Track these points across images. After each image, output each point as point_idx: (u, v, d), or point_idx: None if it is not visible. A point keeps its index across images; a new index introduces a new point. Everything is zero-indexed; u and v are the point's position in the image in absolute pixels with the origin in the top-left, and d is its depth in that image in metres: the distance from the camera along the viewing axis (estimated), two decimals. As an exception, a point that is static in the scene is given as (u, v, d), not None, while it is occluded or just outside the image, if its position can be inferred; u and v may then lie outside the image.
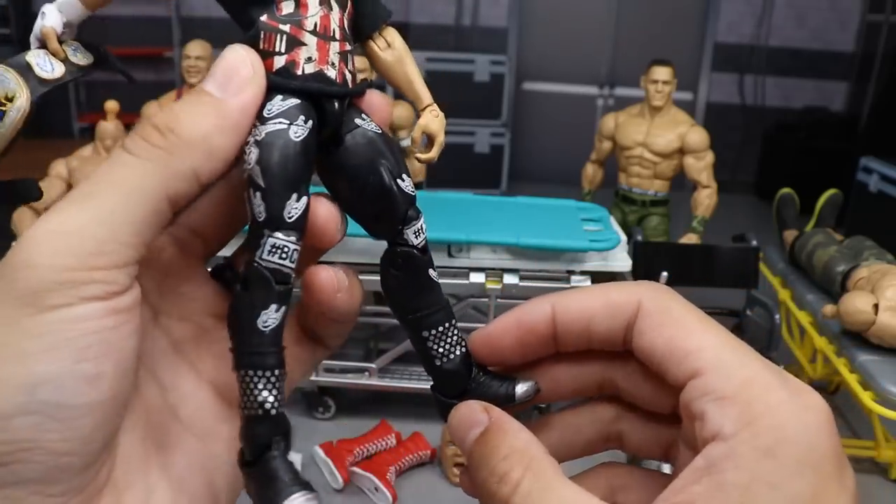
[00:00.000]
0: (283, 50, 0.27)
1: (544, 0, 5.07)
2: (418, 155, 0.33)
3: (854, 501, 0.24)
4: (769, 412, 0.24)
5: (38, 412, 0.23)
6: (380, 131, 0.29)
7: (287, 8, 0.27)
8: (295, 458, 1.87)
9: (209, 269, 0.33)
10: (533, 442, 0.27)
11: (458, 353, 0.31)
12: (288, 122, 0.27)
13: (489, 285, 1.88)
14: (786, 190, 2.61)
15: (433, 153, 0.33)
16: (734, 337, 0.27)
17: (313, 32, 0.27)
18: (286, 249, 0.26)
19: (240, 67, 0.26)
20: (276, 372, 0.27)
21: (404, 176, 0.29)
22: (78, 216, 0.24)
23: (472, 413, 0.29)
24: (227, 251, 0.34)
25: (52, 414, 0.23)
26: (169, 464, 0.28)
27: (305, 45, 0.27)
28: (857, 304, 1.82)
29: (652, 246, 2.33)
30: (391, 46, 0.32)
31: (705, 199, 2.45)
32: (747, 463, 0.23)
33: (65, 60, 0.28)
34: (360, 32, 0.31)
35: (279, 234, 0.26)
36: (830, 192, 2.52)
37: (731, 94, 5.20)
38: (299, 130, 0.27)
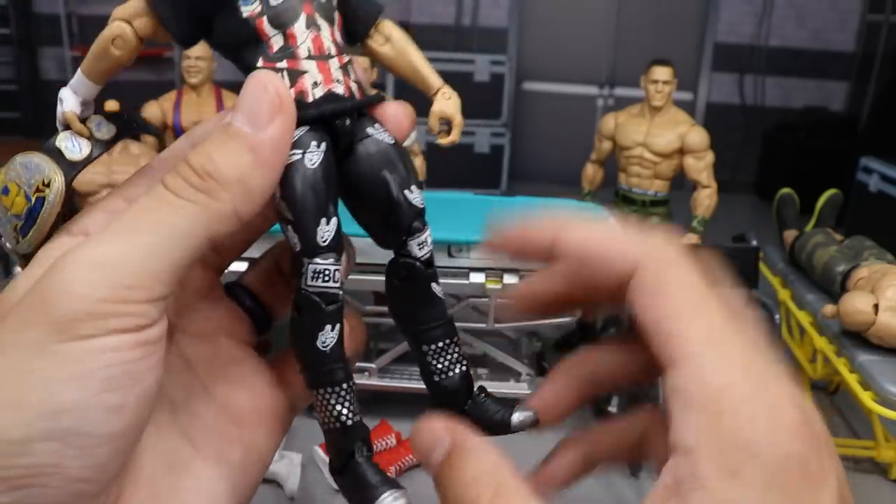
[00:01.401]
0: (288, 85, 0.27)
1: (544, 0, 5.07)
2: (440, 140, 0.33)
3: None
4: (737, 429, 0.22)
5: (60, 439, 0.23)
6: (392, 141, 0.29)
7: (277, 43, 0.27)
8: (295, 458, 1.88)
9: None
10: (501, 464, 0.26)
11: (457, 371, 0.30)
12: (301, 151, 0.27)
13: (489, 285, 1.88)
14: (786, 190, 2.61)
15: (454, 136, 0.32)
16: (730, 324, 0.24)
17: (309, 57, 0.27)
18: (327, 272, 0.27)
19: (263, 98, 0.26)
20: (345, 385, 0.28)
21: (413, 187, 0.29)
22: (117, 249, 0.24)
23: (433, 433, 0.28)
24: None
25: (74, 441, 0.23)
26: (178, 487, 0.28)
27: (307, 71, 0.27)
28: (857, 304, 1.82)
29: (652, 246, 2.32)
30: (389, 40, 0.31)
31: (705, 199, 2.45)
32: (712, 485, 0.22)
33: (90, 138, 0.29)
34: (356, 35, 0.31)
35: (318, 260, 0.27)
36: (830, 192, 2.52)
37: (731, 94, 5.21)
38: (313, 157, 0.27)
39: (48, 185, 0.28)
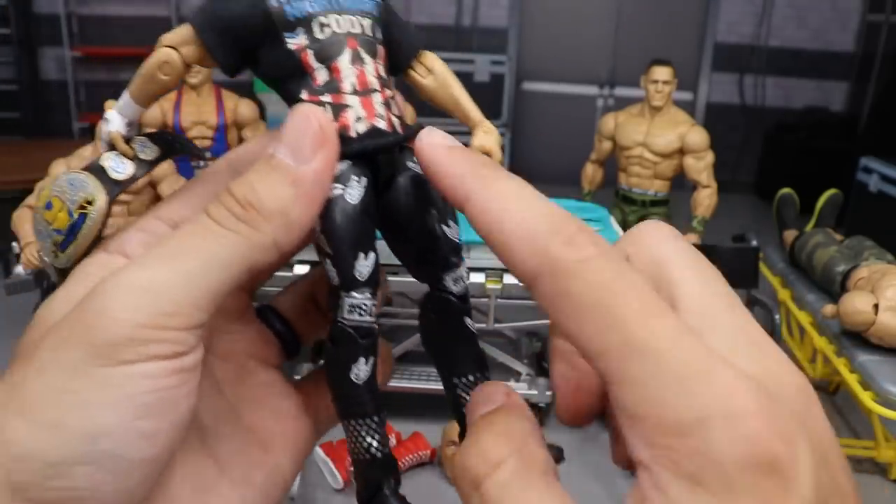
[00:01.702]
0: (331, 119, 0.27)
1: (544, 0, 5.07)
2: None
3: None
4: (686, 435, 0.20)
5: (96, 462, 0.23)
6: None
7: (321, 77, 0.27)
8: (295, 458, 1.90)
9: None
10: (535, 435, 0.24)
11: None
12: (342, 186, 0.27)
13: (489, 285, 1.88)
14: (786, 190, 2.61)
15: None
16: (646, 321, 0.21)
17: (353, 93, 0.28)
18: (364, 307, 0.27)
19: (307, 131, 0.26)
20: (376, 418, 0.28)
21: (450, 222, 0.29)
22: (159, 275, 0.24)
23: (491, 393, 0.27)
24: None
25: (109, 465, 0.23)
26: None
27: (351, 106, 0.27)
28: (856, 304, 1.82)
29: (652, 246, 2.33)
30: (432, 72, 0.31)
31: (705, 199, 2.45)
32: (677, 496, 0.20)
33: (134, 158, 0.30)
34: (399, 66, 0.31)
35: (355, 294, 0.27)
36: (830, 192, 2.52)
37: (731, 94, 5.21)
38: (353, 192, 0.27)
39: (91, 203, 0.28)
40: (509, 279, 1.89)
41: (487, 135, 0.32)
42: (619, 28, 5.10)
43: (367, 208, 0.27)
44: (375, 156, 0.28)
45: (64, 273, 0.28)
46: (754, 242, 2.33)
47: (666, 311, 0.22)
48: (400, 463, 1.80)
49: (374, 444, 0.28)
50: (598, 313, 0.22)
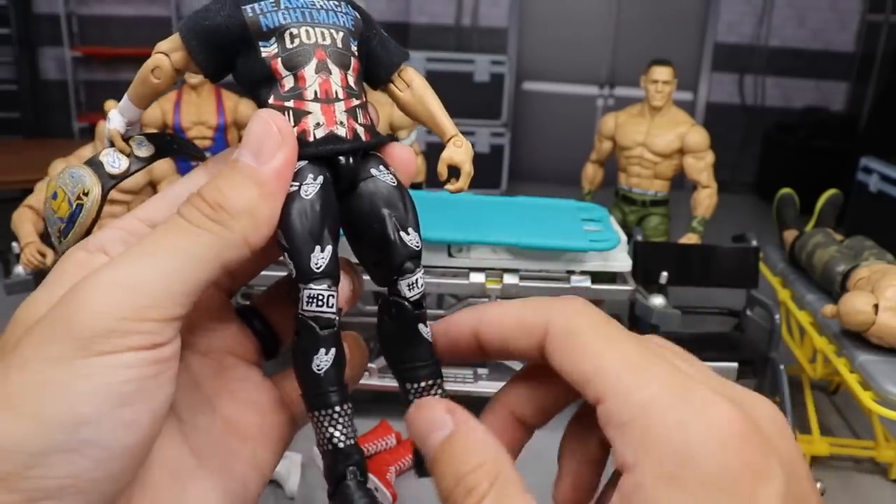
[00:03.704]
0: (292, 123, 0.29)
1: (544, 0, 5.07)
2: (448, 187, 0.34)
3: None
4: (667, 436, 0.23)
5: (76, 450, 0.24)
6: (394, 183, 0.31)
7: (288, 83, 0.29)
8: (295, 458, 1.89)
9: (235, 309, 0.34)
10: (500, 452, 0.26)
11: None
12: (298, 183, 0.29)
13: (489, 285, 1.88)
14: (786, 190, 2.60)
15: (461, 183, 0.34)
16: (644, 352, 0.25)
17: (315, 100, 0.29)
18: (321, 297, 0.28)
19: (267, 134, 0.28)
20: (338, 409, 0.29)
21: (409, 230, 0.30)
22: (137, 271, 0.25)
23: (434, 414, 0.28)
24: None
25: (89, 454, 0.24)
26: (181, 497, 0.29)
27: (311, 113, 0.29)
28: (856, 304, 1.82)
29: (652, 246, 2.33)
30: (410, 86, 0.33)
31: (705, 199, 2.45)
32: (654, 494, 0.22)
33: (130, 155, 0.32)
34: (378, 79, 0.33)
35: (312, 286, 0.28)
36: (830, 192, 2.52)
37: (731, 94, 5.21)
38: (309, 188, 0.29)
39: (87, 194, 0.30)
40: (509, 279, 1.89)
41: (458, 148, 0.33)
42: (619, 28, 5.10)
43: (325, 204, 0.29)
44: (334, 160, 0.29)
45: None
46: (754, 242, 2.33)
47: (646, 344, 0.26)
48: (399, 463, 1.79)
49: (338, 434, 0.29)
50: (599, 337, 0.26)
